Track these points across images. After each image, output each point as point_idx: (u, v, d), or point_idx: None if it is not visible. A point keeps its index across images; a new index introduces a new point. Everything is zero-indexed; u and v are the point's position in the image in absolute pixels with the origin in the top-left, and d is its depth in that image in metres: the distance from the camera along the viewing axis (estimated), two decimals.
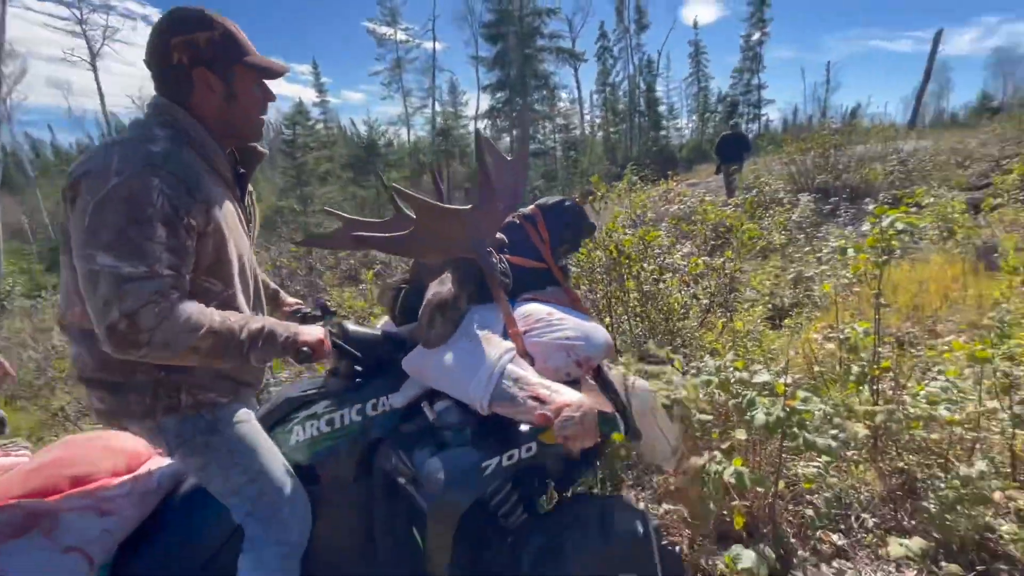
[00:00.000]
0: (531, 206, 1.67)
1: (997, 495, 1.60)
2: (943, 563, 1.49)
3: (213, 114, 1.11)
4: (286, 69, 1.20)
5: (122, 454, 1.29)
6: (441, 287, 1.35)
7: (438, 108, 24.80)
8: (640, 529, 1.27)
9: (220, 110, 1.12)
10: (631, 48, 29.39)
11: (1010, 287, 3.30)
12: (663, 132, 28.04)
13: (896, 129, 13.38)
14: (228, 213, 1.12)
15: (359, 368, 1.34)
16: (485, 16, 16.54)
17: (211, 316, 1.02)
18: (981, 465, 1.66)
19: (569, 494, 1.49)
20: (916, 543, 1.42)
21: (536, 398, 1.18)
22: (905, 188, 7.57)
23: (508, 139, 13.59)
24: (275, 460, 1.21)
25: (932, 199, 5.94)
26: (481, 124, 23.65)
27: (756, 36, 29.00)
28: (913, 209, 6.16)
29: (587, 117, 33.15)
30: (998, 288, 3.39)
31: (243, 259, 1.18)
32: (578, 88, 39.39)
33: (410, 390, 1.35)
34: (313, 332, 1.17)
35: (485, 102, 20.67)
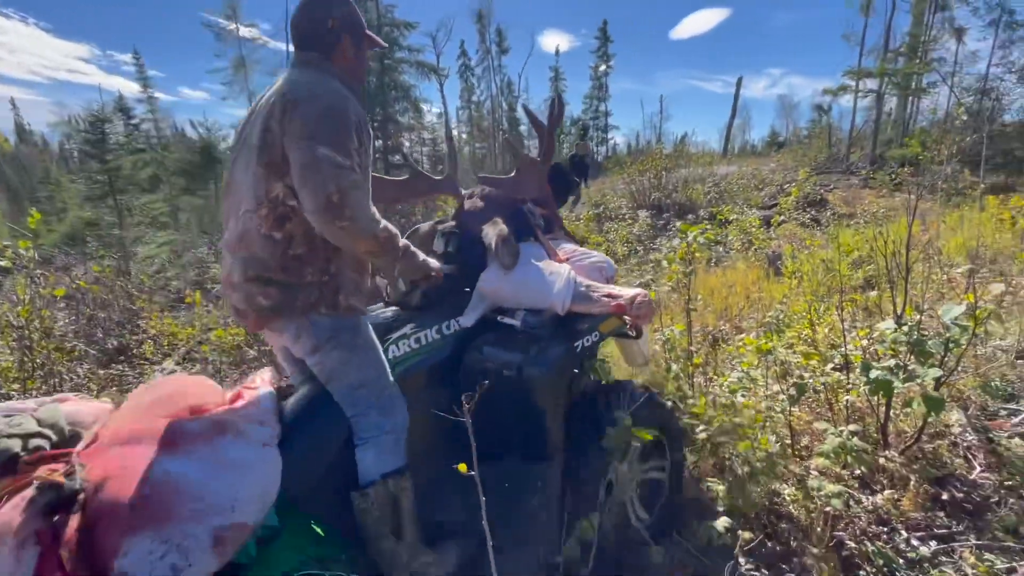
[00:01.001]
0: None
1: (780, 469, 1.91)
2: (739, 531, 1.72)
3: (344, 66, 1.45)
4: (384, 45, 1.68)
5: (209, 391, 1.36)
6: (495, 227, 1.68)
7: None
8: (656, 399, 1.82)
9: (349, 63, 1.47)
10: (493, 69, 30.66)
11: (789, 288, 4.05)
12: (526, 150, 29.60)
13: (712, 156, 15.83)
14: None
15: (426, 298, 1.65)
16: None
17: (384, 220, 1.32)
18: (772, 439, 1.97)
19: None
20: (722, 522, 1.60)
21: (609, 295, 1.64)
22: (719, 206, 8.95)
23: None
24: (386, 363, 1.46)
25: (736, 216, 7.07)
26: None
27: (602, 68, 32.27)
28: (717, 223, 7.28)
29: (454, 132, 33.63)
30: (781, 290, 4.13)
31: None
32: (444, 103, 39.67)
33: (474, 312, 1.70)
34: (435, 263, 1.55)
35: None
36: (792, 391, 2.19)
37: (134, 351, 4.28)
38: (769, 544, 1.78)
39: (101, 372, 3.78)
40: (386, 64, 11.91)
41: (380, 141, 12.55)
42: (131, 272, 7.14)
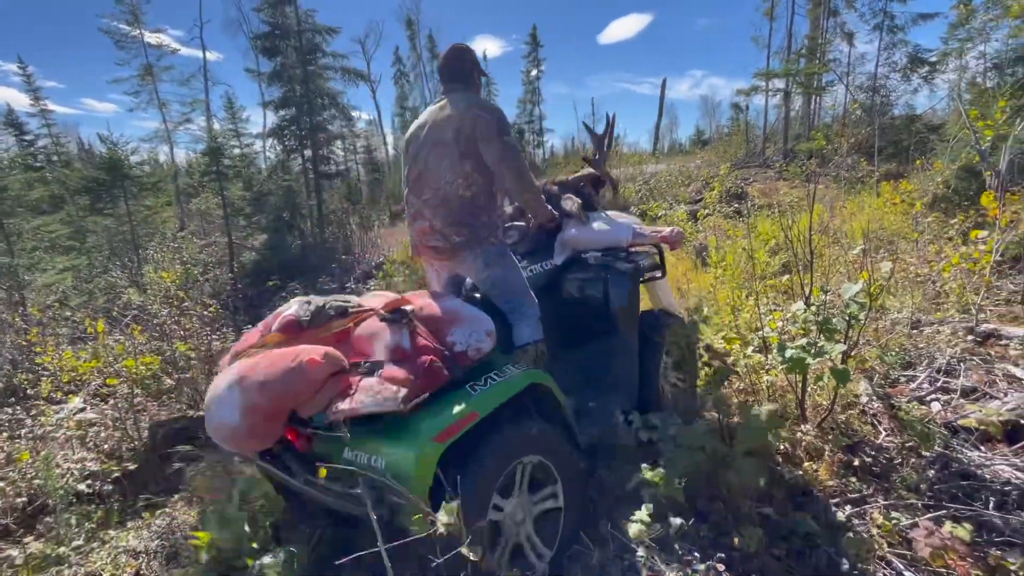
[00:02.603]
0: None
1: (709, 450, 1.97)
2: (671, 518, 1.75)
3: (476, 90, 2.24)
4: (487, 74, 3.54)
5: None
6: (571, 200, 2.57)
7: (215, 124, 21.86)
8: (681, 320, 2.77)
9: (477, 88, 2.25)
10: (425, 75, 30.38)
11: (715, 278, 4.25)
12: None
13: (642, 156, 16.48)
14: None
15: (532, 244, 2.53)
16: (261, 27, 15.22)
17: None
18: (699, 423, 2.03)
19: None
20: (645, 510, 1.63)
21: (657, 232, 2.70)
22: (649, 202, 9.30)
23: (299, 158, 12.49)
24: None
25: (664, 211, 7.36)
26: (268, 143, 21.50)
27: (534, 72, 32.79)
28: (648, 219, 7.55)
29: (389, 139, 32.99)
30: (708, 279, 4.33)
31: None
32: (377, 110, 38.75)
33: (561, 255, 2.52)
34: (555, 213, 2.42)
35: (271, 119, 19.13)
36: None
37: (28, 391, 3.83)
38: (702, 527, 1.83)
39: None
40: (310, 71, 11.46)
41: (309, 151, 12.07)
42: (26, 303, 6.42)
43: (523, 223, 2.62)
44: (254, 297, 8.07)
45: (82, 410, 3.54)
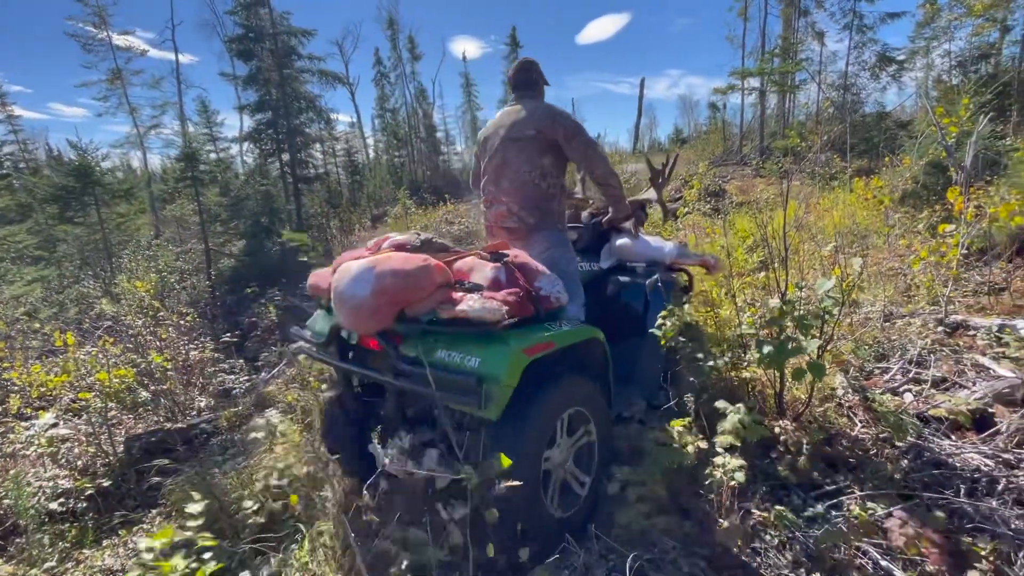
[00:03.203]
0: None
1: (689, 448, 1.99)
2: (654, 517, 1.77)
3: (542, 97, 2.60)
4: (548, 83, 2.68)
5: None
6: (630, 220, 2.85)
7: (190, 129, 21.37)
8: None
9: (543, 95, 2.62)
10: (406, 76, 30.14)
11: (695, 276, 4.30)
12: (443, 157, 29.38)
13: (623, 155, 16.61)
14: None
15: (586, 243, 2.96)
16: (235, 30, 14.87)
17: None
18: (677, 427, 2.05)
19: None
20: (637, 508, 1.64)
21: (700, 255, 3.03)
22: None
23: (277, 162, 12.30)
24: None
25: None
26: (244, 147, 21.10)
27: None
28: None
29: (370, 142, 32.66)
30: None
31: None
32: (357, 112, 38.35)
33: (607, 261, 2.92)
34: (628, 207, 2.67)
35: (247, 123, 18.69)
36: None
37: None
38: (686, 524, 1.85)
39: None
40: (286, 74, 11.30)
41: (287, 154, 11.88)
42: None
43: (580, 224, 3.06)
44: (232, 304, 7.93)
45: (54, 426, 3.43)
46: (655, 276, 2.68)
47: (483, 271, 1.87)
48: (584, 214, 3.12)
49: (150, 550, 1.43)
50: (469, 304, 1.66)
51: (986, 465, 2.06)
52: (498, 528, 1.55)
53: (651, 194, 3.07)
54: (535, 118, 2.37)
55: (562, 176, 2.49)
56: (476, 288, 1.79)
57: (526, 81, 2.55)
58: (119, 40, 19.53)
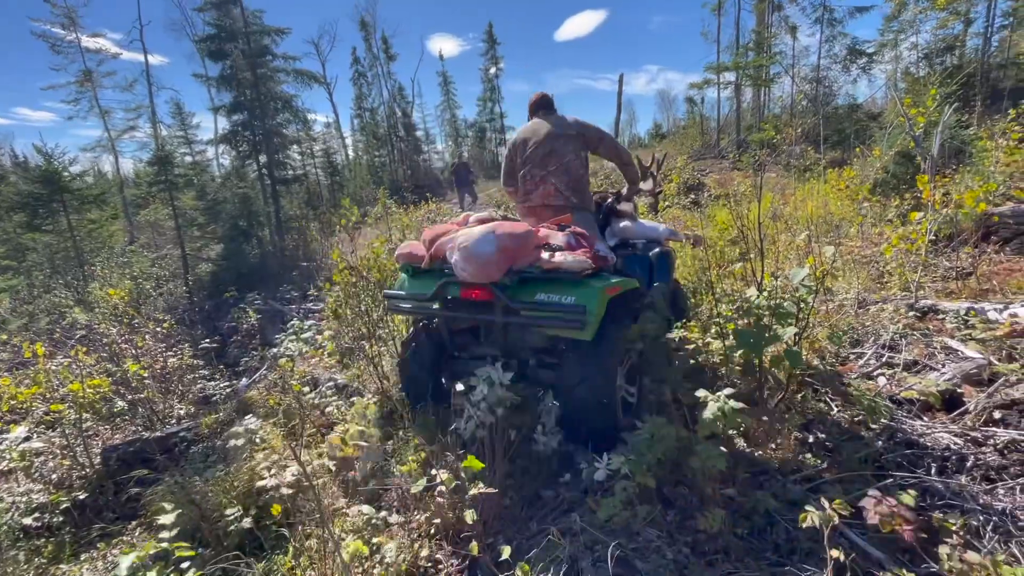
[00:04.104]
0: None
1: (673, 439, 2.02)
2: (638, 505, 1.79)
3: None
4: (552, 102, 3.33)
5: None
6: (629, 204, 3.39)
7: (163, 131, 20.82)
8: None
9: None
10: (383, 75, 29.85)
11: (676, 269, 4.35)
12: (424, 156, 29.23)
13: None
14: None
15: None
16: (206, 29, 14.48)
17: None
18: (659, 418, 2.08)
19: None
20: (619, 496, 1.65)
21: (687, 234, 4.24)
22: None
23: (254, 164, 12.08)
24: None
25: None
26: (220, 149, 20.69)
27: (492, 70, 32.70)
28: None
29: (349, 142, 32.30)
30: None
31: None
32: (335, 112, 37.89)
33: (612, 240, 3.30)
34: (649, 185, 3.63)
35: (222, 124, 18.28)
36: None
37: None
38: (669, 513, 1.87)
39: None
40: (260, 74, 11.09)
41: (264, 156, 11.67)
42: None
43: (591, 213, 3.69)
44: (211, 309, 7.77)
45: (26, 439, 3.33)
46: (656, 250, 3.27)
47: (558, 237, 2.44)
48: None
49: (128, 568, 1.39)
50: (564, 257, 2.23)
51: (955, 443, 2.12)
52: (577, 429, 2.24)
53: (646, 185, 3.64)
54: (571, 123, 3.01)
55: (588, 169, 3.13)
56: (558, 248, 2.35)
57: (547, 104, 3.23)
58: (89, 42, 18.98)
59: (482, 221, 2.64)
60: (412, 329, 2.99)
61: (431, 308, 2.55)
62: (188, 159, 18.63)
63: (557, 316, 2.16)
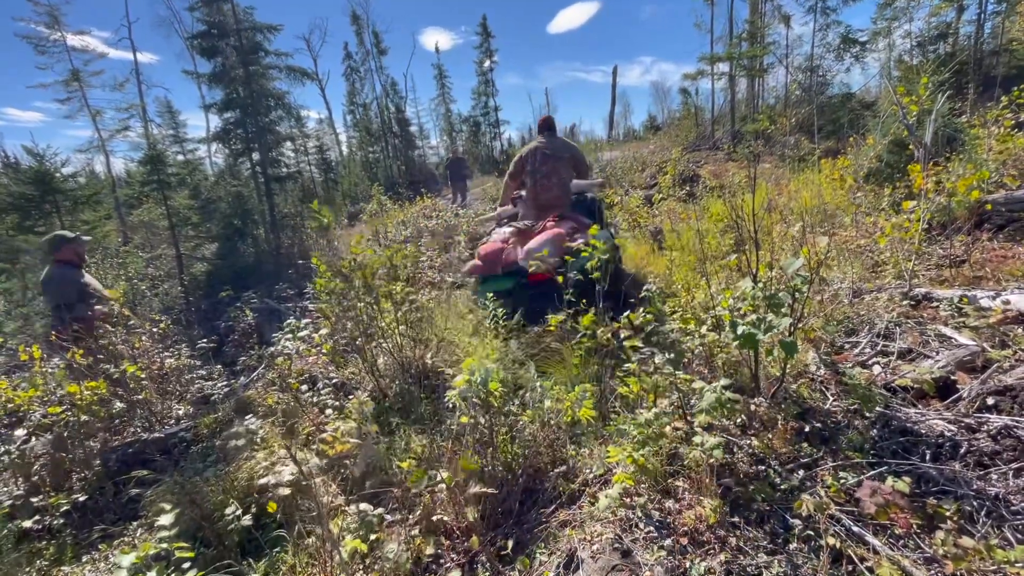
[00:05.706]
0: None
1: (667, 428, 2.04)
2: (634, 497, 1.80)
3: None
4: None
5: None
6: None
7: (154, 130, 20.61)
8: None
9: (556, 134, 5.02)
10: (376, 70, 29.61)
11: (670, 261, 4.37)
12: (418, 151, 29.08)
13: (598, 143, 16.67)
14: None
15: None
16: (196, 26, 14.27)
17: None
18: (656, 409, 2.09)
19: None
20: (616, 489, 1.67)
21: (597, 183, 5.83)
22: (605, 190, 9.42)
23: (247, 162, 12.00)
24: None
25: (619, 197, 7.48)
26: (213, 147, 20.53)
27: (487, 63, 32.46)
28: (606, 206, 7.68)
29: (342, 138, 32.09)
30: (664, 262, 4.44)
31: None
32: (328, 108, 37.55)
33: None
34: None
35: (214, 122, 18.10)
36: (673, 356, 2.35)
37: None
38: (667, 504, 1.89)
39: None
40: (252, 71, 11.00)
41: (257, 154, 11.60)
42: None
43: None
44: (208, 309, 7.76)
45: (26, 442, 3.32)
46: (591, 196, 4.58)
47: (565, 226, 3.90)
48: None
49: (128, 568, 1.40)
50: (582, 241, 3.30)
51: (949, 430, 2.15)
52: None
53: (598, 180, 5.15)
54: (565, 147, 4.52)
55: (572, 177, 4.47)
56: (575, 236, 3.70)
57: (551, 126, 4.60)
58: (75, 40, 18.74)
59: (515, 228, 4.17)
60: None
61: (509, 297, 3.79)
62: (180, 158, 18.47)
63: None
